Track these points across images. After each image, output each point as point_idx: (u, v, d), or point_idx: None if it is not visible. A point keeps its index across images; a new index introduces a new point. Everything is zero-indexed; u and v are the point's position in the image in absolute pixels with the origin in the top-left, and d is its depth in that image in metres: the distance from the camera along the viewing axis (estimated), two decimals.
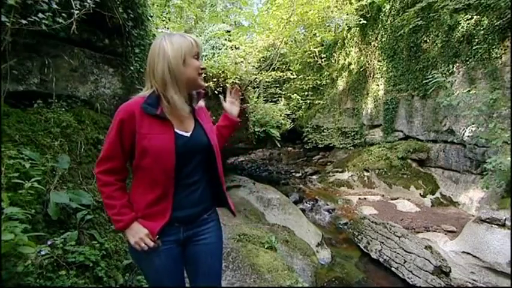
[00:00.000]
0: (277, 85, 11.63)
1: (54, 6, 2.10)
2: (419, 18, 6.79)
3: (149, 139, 1.07)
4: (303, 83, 10.84)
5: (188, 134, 1.14)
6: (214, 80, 5.07)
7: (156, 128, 1.08)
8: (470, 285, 3.41)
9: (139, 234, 1.09)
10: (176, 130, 1.11)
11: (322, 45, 10.80)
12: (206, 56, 6.96)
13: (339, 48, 10.21)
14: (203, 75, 1.16)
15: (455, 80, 6.03)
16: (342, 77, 9.92)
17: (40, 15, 1.99)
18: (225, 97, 1.50)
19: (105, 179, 1.12)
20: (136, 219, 1.12)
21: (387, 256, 3.70)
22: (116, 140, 1.09)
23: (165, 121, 1.10)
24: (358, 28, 9.10)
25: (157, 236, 1.12)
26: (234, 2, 13.99)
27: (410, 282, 3.28)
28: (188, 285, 1.36)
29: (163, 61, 1.07)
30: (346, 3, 8.77)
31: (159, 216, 1.11)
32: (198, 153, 1.17)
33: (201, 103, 1.27)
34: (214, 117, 1.50)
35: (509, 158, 4.19)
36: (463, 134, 5.83)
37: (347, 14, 8.45)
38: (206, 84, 1.12)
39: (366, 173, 7.31)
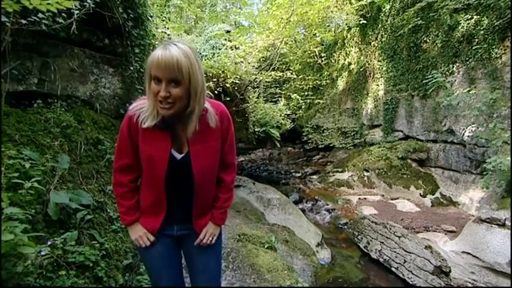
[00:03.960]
0: (277, 85, 11.63)
1: None
2: (419, 18, 6.79)
3: (147, 145, 1.10)
4: (303, 83, 10.84)
5: (179, 157, 1.13)
6: (214, 80, 5.08)
7: (155, 135, 1.09)
8: (470, 285, 3.41)
9: (138, 232, 1.22)
10: (172, 149, 1.11)
11: (322, 45, 10.80)
12: (206, 56, 6.96)
13: (339, 48, 10.20)
14: (165, 101, 0.97)
15: (455, 80, 6.03)
16: (342, 77, 9.92)
17: (40, 15, 2.00)
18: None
19: (119, 179, 1.20)
20: (139, 219, 1.23)
21: (387, 256, 3.70)
22: (127, 136, 1.12)
23: (164, 132, 1.09)
24: (358, 28, 9.10)
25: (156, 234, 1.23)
26: (234, 2, 14.00)
27: (410, 282, 3.28)
28: (188, 285, 1.37)
29: None
30: (346, 3, 8.78)
31: (156, 217, 1.21)
32: (186, 176, 1.15)
33: (212, 120, 1.11)
34: None
35: (509, 158, 4.19)
36: (463, 134, 5.83)
37: (347, 14, 8.46)
38: (159, 106, 0.99)
39: (366, 173, 7.30)
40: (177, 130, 1.11)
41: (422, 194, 6.24)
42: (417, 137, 7.17)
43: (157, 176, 1.12)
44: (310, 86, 10.87)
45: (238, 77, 5.45)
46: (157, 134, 1.08)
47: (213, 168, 1.21)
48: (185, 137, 1.11)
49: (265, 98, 10.13)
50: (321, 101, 10.50)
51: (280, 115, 8.82)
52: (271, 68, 7.11)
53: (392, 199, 6.37)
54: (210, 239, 1.26)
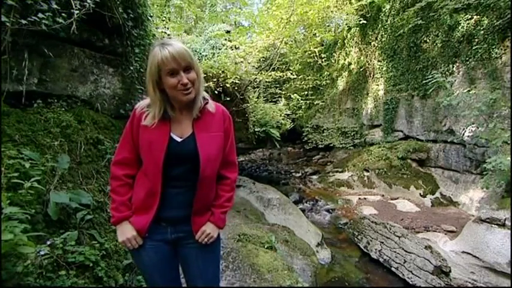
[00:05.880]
0: (277, 85, 11.63)
1: (54, 6, 2.10)
2: (419, 18, 6.79)
3: (147, 133, 1.14)
4: (303, 83, 10.85)
5: (179, 140, 1.15)
6: (214, 80, 5.08)
7: (155, 124, 1.14)
8: (470, 285, 3.41)
9: (126, 234, 1.17)
10: (172, 133, 1.15)
11: (322, 45, 10.81)
12: (206, 56, 6.96)
13: (339, 48, 10.21)
14: (186, 88, 1.07)
15: (455, 80, 6.03)
16: (342, 77, 9.92)
17: (40, 15, 1.99)
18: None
19: (115, 172, 1.21)
20: (129, 218, 1.19)
21: (387, 256, 3.70)
22: (129, 131, 1.19)
23: (164, 120, 1.15)
24: (358, 28, 9.09)
25: (147, 235, 1.18)
26: (234, 2, 13.99)
27: (410, 282, 3.28)
28: (185, 285, 1.36)
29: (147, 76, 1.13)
30: (346, 3, 8.78)
31: (147, 213, 1.17)
32: (187, 161, 1.15)
33: (211, 108, 1.20)
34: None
35: (509, 158, 4.19)
36: (463, 134, 5.83)
37: (347, 14, 8.47)
38: (189, 97, 1.10)
39: (366, 173, 7.30)
40: (179, 116, 1.17)
41: (422, 194, 6.24)
42: (417, 137, 7.17)
43: (155, 161, 1.11)
44: (310, 86, 10.87)
45: (238, 77, 5.44)
46: (159, 121, 1.14)
47: (216, 158, 1.20)
48: (188, 121, 1.17)
49: (265, 98, 10.13)
50: (321, 101, 10.50)
51: (280, 115, 8.82)
52: (271, 68, 7.11)
53: (392, 199, 6.37)
54: (206, 240, 1.20)
